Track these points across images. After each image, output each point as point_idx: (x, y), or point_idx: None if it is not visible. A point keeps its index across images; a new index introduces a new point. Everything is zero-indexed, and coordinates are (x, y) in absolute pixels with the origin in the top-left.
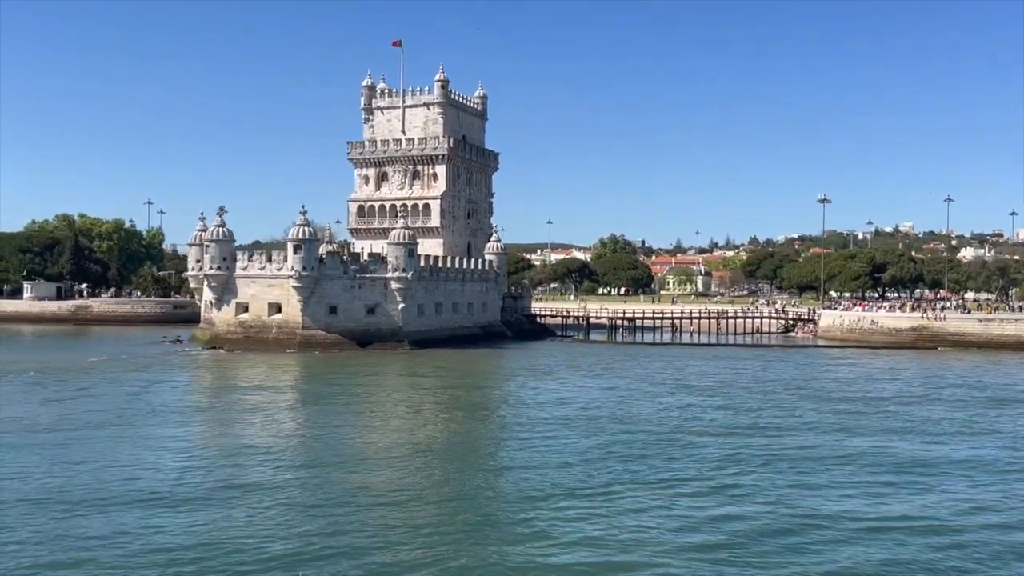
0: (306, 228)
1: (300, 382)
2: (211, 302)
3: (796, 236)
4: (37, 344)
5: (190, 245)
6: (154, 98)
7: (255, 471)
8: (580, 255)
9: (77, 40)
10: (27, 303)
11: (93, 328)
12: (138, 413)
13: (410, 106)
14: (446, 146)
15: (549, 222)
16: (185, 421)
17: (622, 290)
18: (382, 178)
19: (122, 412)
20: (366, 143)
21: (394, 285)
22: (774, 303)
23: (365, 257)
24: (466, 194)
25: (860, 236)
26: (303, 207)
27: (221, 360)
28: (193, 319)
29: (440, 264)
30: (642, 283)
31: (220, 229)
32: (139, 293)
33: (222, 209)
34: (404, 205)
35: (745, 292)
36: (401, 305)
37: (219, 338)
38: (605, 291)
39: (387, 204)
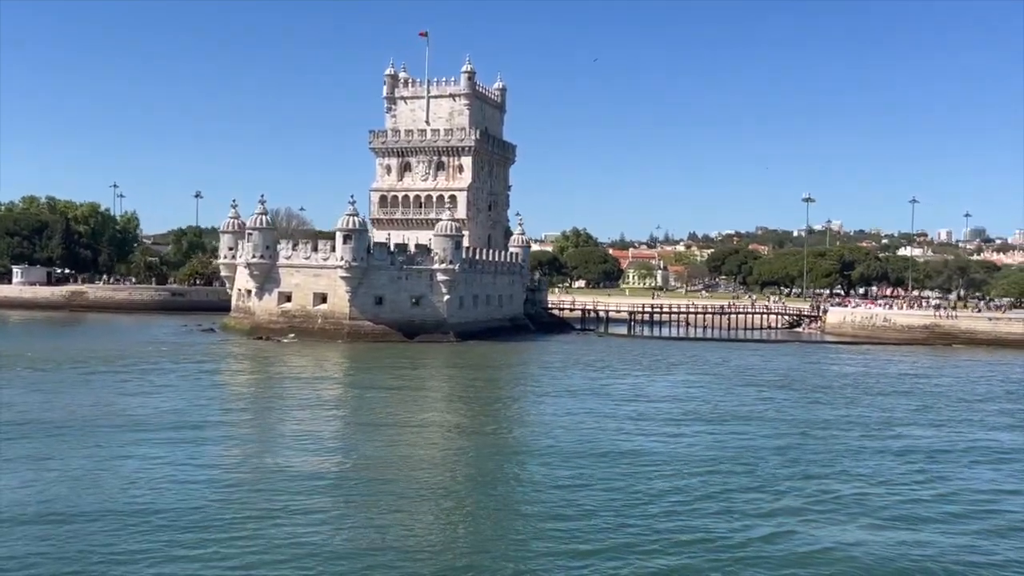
0: (355, 218)
1: (375, 375)
2: (250, 291)
3: (732, 232)
4: (57, 332)
5: (221, 232)
6: (160, 87)
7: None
8: (540, 248)
9: (86, 40)
10: (17, 288)
11: (89, 316)
12: (249, 409)
13: (435, 96)
14: (473, 138)
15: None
16: (301, 419)
17: (581, 283)
18: (405, 168)
19: (231, 408)
20: (389, 132)
21: (440, 277)
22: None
23: (412, 249)
24: (488, 186)
25: (795, 233)
26: (352, 197)
27: (278, 351)
28: (195, 307)
29: (475, 256)
30: (612, 276)
31: (262, 217)
32: (133, 280)
33: (263, 196)
34: (429, 196)
35: (700, 287)
36: (446, 297)
37: (260, 327)
38: (567, 284)
39: (411, 195)
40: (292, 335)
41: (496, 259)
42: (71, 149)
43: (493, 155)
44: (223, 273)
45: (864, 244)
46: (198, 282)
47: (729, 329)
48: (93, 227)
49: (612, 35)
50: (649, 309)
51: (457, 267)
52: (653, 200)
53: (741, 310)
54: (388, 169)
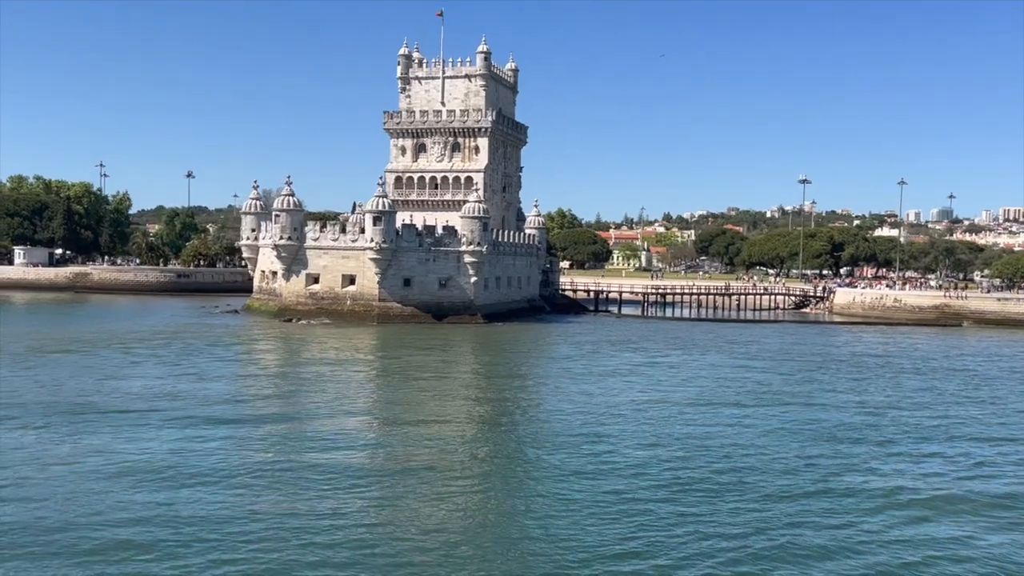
0: (385, 200)
1: (410, 357)
2: (275, 272)
3: (705, 212)
4: (74, 313)
5: (243, 214)
6: (152, 62)
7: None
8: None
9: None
10: (20, 269)
11: (94, 297)
12: (335, 397)
13: (451, 77)
14: (490, 119)
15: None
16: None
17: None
18: (420, 149)
19: (272, 394)
20: (403, 113)
21: (468, 259)
22: (741, 279)
23: (440, 231)
24: (503, 168)
25: (768, 214)
26: (381, 178)
27: (309, 333)
28: (201, 288)
29: (497, 238)
30: (600, 258)
31: (290, 199)
32: (137, 261)
33: (288, 178)
34: (445, 177)
35: (682, 268)
36: (473, 279)
37: (288, 309)
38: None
39: (427, 176)
40: (324, 319)
41: (515, 241)
42: (48, 124)
43: (508, 136)
44: (245, 255)
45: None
46: (201, 263)
47: (739, 310)
48: (86, 207)
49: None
50: (662, 290)
51: (485, 249)
52: (627, 181)
53: (742, 291)
54: (403, 150)
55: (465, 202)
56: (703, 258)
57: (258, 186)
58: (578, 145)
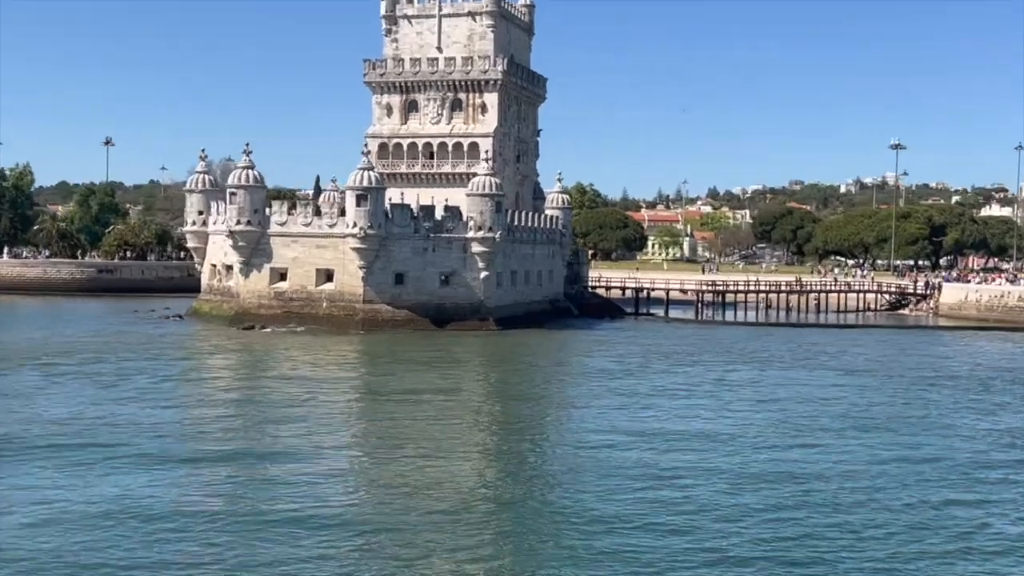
0: (371, 173)
1: (405, 378)
2: (230, 267)
3: (760, 187)
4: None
5: (187, 192)
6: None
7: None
8: None
9: None
10: None
11: None
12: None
13: (449, 15)
14: (500, 69)
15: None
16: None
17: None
18: (409, 108)
19: (228, 428)
20: (389, 62)
21: (476, 248)
22: (816, 272)
23: (440, 213)
24: (516, 131)
25: (843, 189)
26: (366, 146)
27: (274, 344)
28: (129, 287)
29: (513, 222)
30: (632, 245)
31: (249, 172)
32: (47, 253)
33: (247, 146)
34: (443, 144)
35: (735, 257)
36: (484, 274)
37: (247, 314)
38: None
39: (419, 142)
40: (294, 325)
41: (535, 225)
42: None
43: (522, 91)
44: (191, 244)
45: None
46: (128, 255)
47: (818, 312)
48: None
49: None
50: (719, 288)
51: (498, 236)
52: (662, 149)
53: (822, 287)
54: (388, 109)
55: (470, 175)
56: (762, 245)
57: (206, 156)
58: (599, 102)
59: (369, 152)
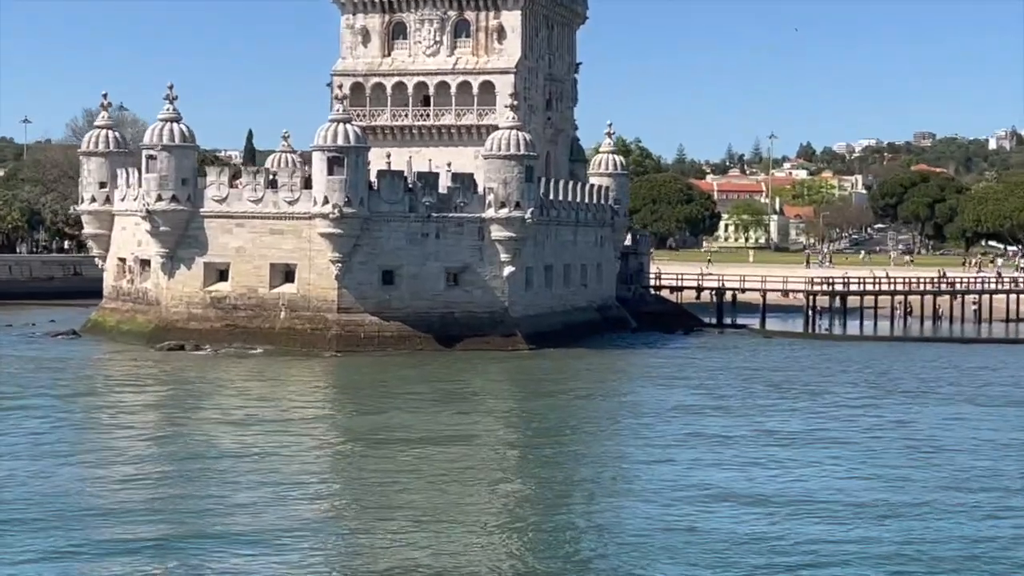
0: (349, 127)
1: (418, 422)
2: (146, 261)
3: (873, 143)
4: None
5: (83, 155)
6: None
7: None
8: None
9: None
10: None
11: None
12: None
13: None
14: None
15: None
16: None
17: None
18: (395, 34)
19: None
20: None
21: (498, 233)
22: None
23: (446, 182)
24: (545, 66)
25: (992, 144)
26: (338, 88)
27: (216, 370)
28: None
29: (546, 195)
30: (700, 226)
31: (173, 126)
32: None
33: (171, 90)
34: (443, 84)
35: (844, 242)
36: (508, 269)
37: (173, 328)
38: None
39: (408, 81)
40: (239, 345)
41: (577, 199)
42: None
43: (554, 8)
44: (89, 229)
45: None
46: None
47: (978, 321)
48: None
49: None
50: (838, 288)
51: (529, 214)
52: (732, 95)
53: (981, 285)
54: (364, 36)
55: (484, 128)
56: (880, 226)
57: (109, 104)
58: (645, 30)
59: (343, 97)
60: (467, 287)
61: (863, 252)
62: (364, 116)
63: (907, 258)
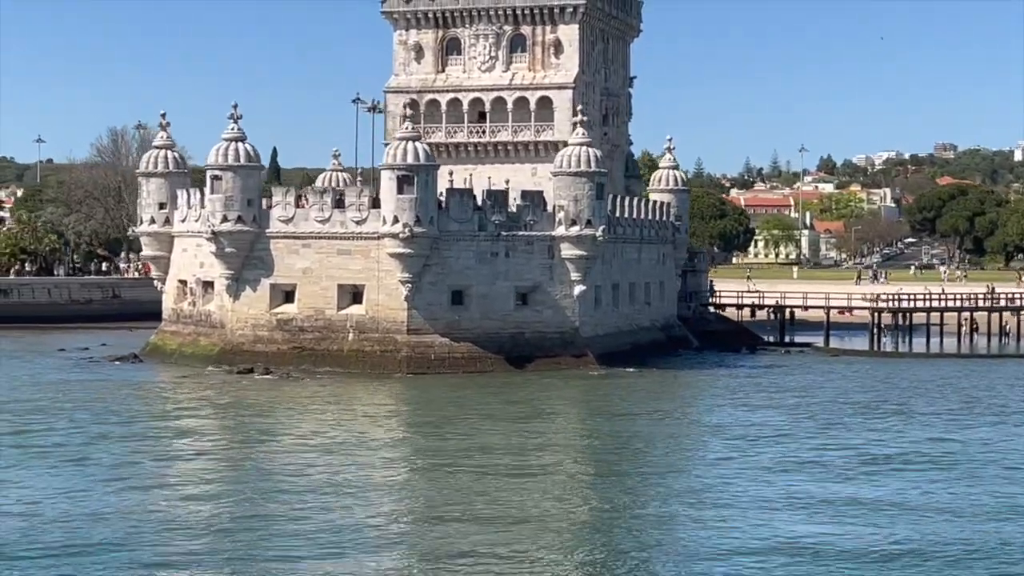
0: (418, 145)
1: (504, 455)
2: (210, 283)
3: (893, 155)
4: None
5: (142, 176)
6: None
7: None
8: None
9: None
10: None
11: None
12: None
13: None
14: None
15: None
16: None
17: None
18: (449, 49)
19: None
20: None
21: (568, 251)
22: None
23: (515, 200)
24: (602, 80)
25: (1018, 156)
26: (406, 107)
27: (285, 395)
28: (31, 317)
29: (613, 213)
30: (734, 242)
31: (239, 146)
32: None
33: (235, 110)
34: (499, 99)
35: (876, 257)
36: (578, 288)
37: (239, 351)
38: None
39: (463, 97)
40: (308, 367)
41: (640, 216)
42: None
43: (610, 21)
44: (148, 251)
45: None
46: (27, 268)
47: None
48: None
49: None
50: (903, 305)
51: (600, 232)
52: (749, 107)
53: None
54: (418, 52)
55: (540, 145)
56: (910, 240)
57: (168, 123)
58: (661, 40)
59: (412, 114)
60: (537, 307)
61: (913, 267)
62: (418, 132)
63: (959, 273)
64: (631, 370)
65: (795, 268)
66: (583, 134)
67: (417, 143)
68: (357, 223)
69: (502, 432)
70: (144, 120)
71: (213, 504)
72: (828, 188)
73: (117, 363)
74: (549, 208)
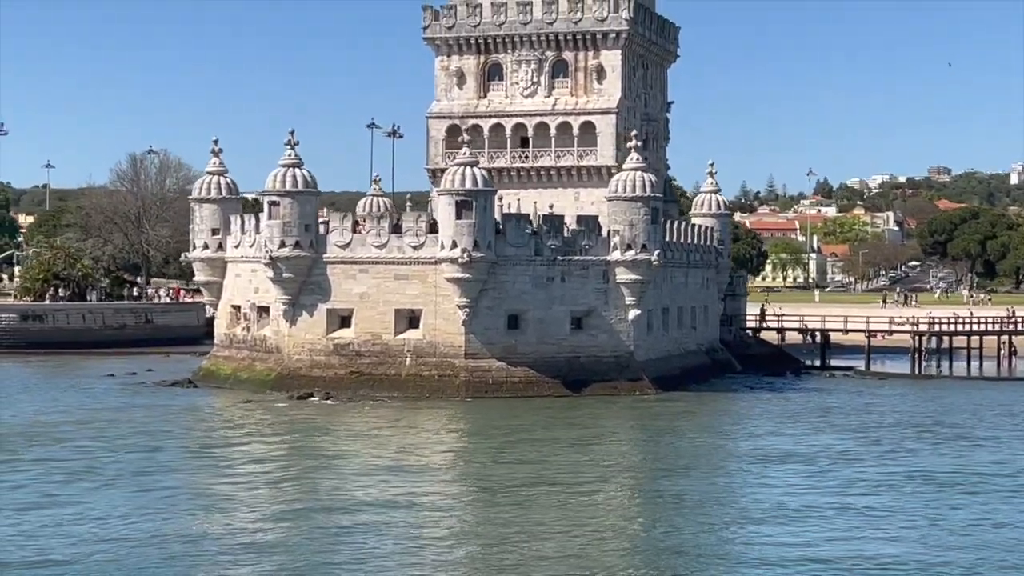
0: (474, 172)
1: (574, 484)
2: (263, 308)
3: (888, 178)
4: None
5: (195, 202)
6: None
7: None
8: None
9: None
10: None
11: None
12: None
13: None
14: (624, 15)
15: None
16: None
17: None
18: (491, 75)
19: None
20: (459, 9)
21: (623, 276)
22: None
23: (571, 224)
24: (642, 105)
25: (1014, 179)
26: (464, 135)
27: (346, 420)
28: (64, 342)
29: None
30: (747, 265)
31: (296, 172)
32: None
33: (292, 136)
34: (542, 124)
35: (882, 279)
36: (633, 312)
37: (296, 376)
38: None
39: (506, 123)
40: (366, 391)
41: (686, 240)
42: None
43: (650, 47)
44: (200, 276)
45: None
46: (60, 294)
47: None
48: None
49: None
50: (942, 327)
51: (655, 257)
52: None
53: None
54: (459, 78)
55: (586, 169)
56: (914, 263)
57: (220, 150)
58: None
59: (469, 140)
60: (592, 331)
61: (938, 291)
62: (458, 157)
63: (983, 296)
64: (689, 394)
65: (816, 291)
66: (637, 159)
67: (475, 168)
68: (414, 248)
69: (569, 455)
70: (156, 145)
71: (268, 519)
72: (830, 211)
73: (175, 388)
74: (608, 232)
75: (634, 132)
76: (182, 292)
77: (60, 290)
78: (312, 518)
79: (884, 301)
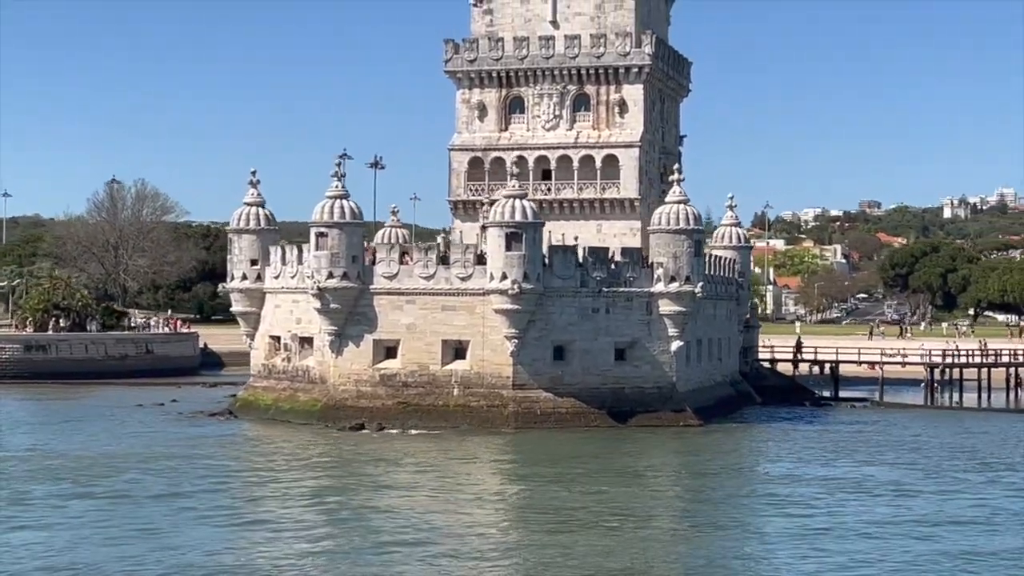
0: (525, 203)
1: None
2: (307, 339)
3: (820, 211)
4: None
5: (233, 233)
6: None
7: None
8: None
9: None
10: None
11: None
12: None
13: None
14: (647, 51)
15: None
16: None
17: None
18: (512, 108)
19: None
20: (481, 43)
21: (667, 307)
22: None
23: (616, 256)
24: (660, 139)
25: (947, 213)
26: (513, 165)
27: (396, 452)
28: (67, 372)
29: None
30: None
31: (344, 204)
32: None
33: (340, 164)
34: (564, 157)
35: (836, 312)
36: (676, 344)
37: (342, 407)
38: None
39: (529, 156)
40: (413, 422)
41: (712, 272)
42: None
43: (667, 81)
44: (238, 307)
45: None
46: (61, 323)
47: None
48: None
49: None
50: (954, 359)
51: (699, 288)
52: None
53: None
54: (481, 110)
55: (608, 202)
56: (863, 295)
57: (258, 181)
58: None
59: (518, 173)
60: (635, 362)
61: (923, 322)
62: (480, 190)
63: (964, 328)
64: (732, 424)
65: (797, 324)
66: (680, 192)
67: (524, 201)
68: (462, 279)
69: (625, 487)
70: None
71: (328, 549)
72: (778, 244)
73: (217, 418)
74: (652, 265)
75: (676, 166)
76: (179, 323)
77: (61, 320)
78: (366, 545)
79: (871, 334)
